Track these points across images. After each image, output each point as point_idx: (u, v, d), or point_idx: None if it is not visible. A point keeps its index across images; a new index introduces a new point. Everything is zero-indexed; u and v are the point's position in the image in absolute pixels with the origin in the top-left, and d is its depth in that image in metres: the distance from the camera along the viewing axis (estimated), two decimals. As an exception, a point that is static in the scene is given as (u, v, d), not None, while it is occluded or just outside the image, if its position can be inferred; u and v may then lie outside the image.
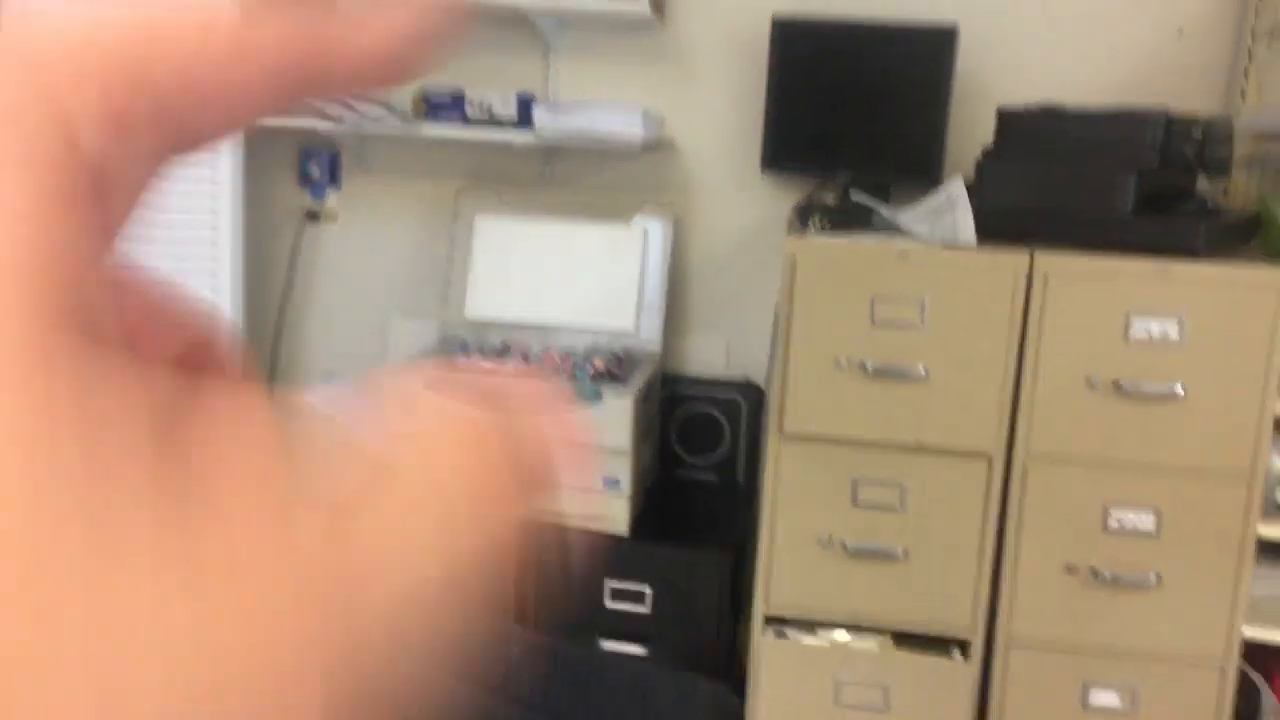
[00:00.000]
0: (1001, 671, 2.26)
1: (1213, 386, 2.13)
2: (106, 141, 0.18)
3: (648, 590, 2.50)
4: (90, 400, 0.17)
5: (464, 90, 2.76)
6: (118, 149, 0.18)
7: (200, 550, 0.17)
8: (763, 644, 2.29)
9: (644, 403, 2.51)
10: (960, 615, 2.26)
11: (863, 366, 2.20)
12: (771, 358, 2.79)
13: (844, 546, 2.27)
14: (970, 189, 2.28)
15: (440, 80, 2.91)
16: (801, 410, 2.24)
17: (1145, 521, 2.18)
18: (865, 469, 2.25)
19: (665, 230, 2.77)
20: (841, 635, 2.31)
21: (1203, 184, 2.41)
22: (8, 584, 0.15)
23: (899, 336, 2.19)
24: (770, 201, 2.87)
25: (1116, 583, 2.20)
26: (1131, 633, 2.21)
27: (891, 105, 2.54)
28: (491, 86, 2.89)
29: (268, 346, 3.07)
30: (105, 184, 0.19)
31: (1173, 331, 2.12)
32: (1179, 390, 2.13)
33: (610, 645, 2.51)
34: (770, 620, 2.33)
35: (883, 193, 2.49)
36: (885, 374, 2.20)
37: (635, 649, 2.50)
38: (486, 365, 2.57)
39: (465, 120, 2.74)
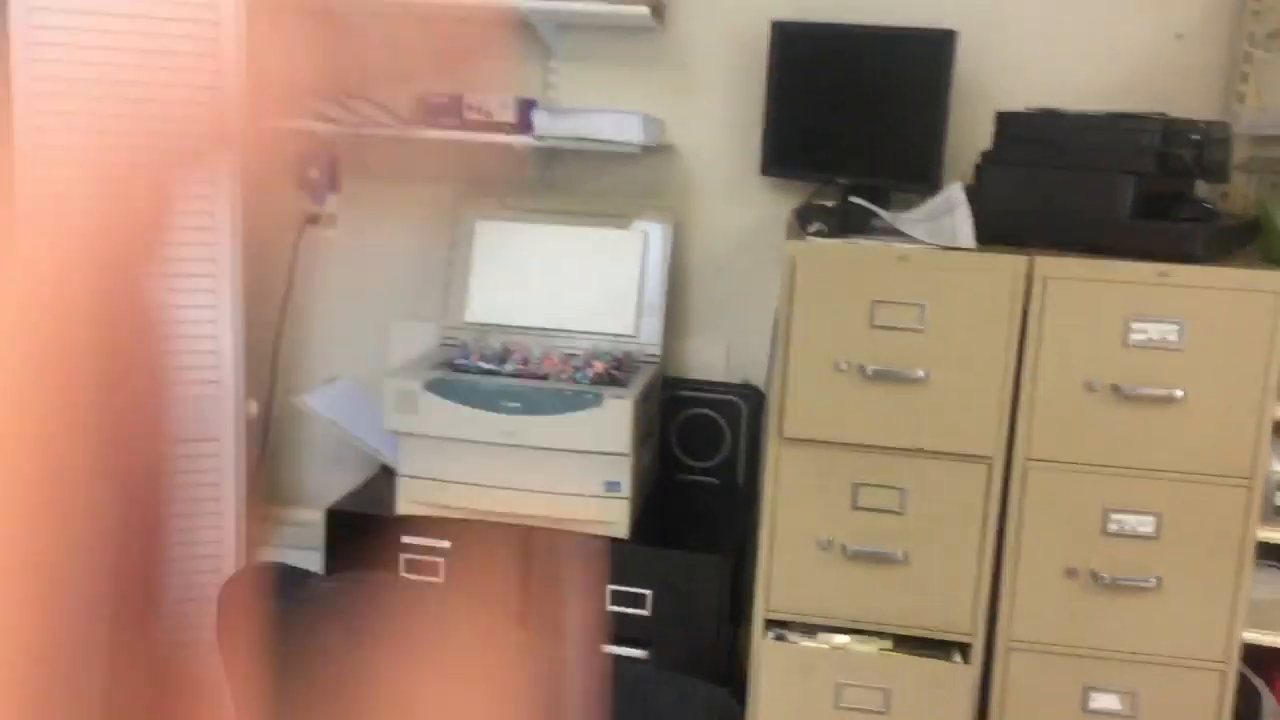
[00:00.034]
0: (1002, 674, 2.26)
1: (1212, 390, 2.13)
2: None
3: (648, 593, 2.50)
4: None
5: (462, 94, 2.76)
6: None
7: None
8: (763, 647, 2.30)
9: (644, 406, 2.52)
10: (960, 618, 2.27)
11: (862, 370, 2.21)
12: (771, 361, 2.80)
13: (844, 549, 2.27)
14: (969, 193, 2.28)
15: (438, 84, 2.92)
16: (801, 413, 2.25)
17: (1145, 525, 2.18)
18: (865, 472, 2.25)
19: (665, 234, 2.78)
20: (841, 638, 2.31)
21: (1201, 188, 2.42)
22: None
23: (899, 340, 2.20)
24: (770, 205, 2.88)
25: (1116, 586, 2.20)
26: (1132, 636, 2.22)
27: (890, 109, 2.54)
28: (491, 90, 2.89)
29: (268, 350, 3.07)
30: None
31: (1172, 335, 2.13)
32: (1178, 394, 2.13)
33: (611, 649, 2.51)
34: (770, 623, 2.34)
35: (882, 196, 2.50)
36: (885, 377, 2.21)
37: (636, 652, 2.50)
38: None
39: (464, 124, 2.74)
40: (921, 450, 2.23)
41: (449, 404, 2.46)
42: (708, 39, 2.85)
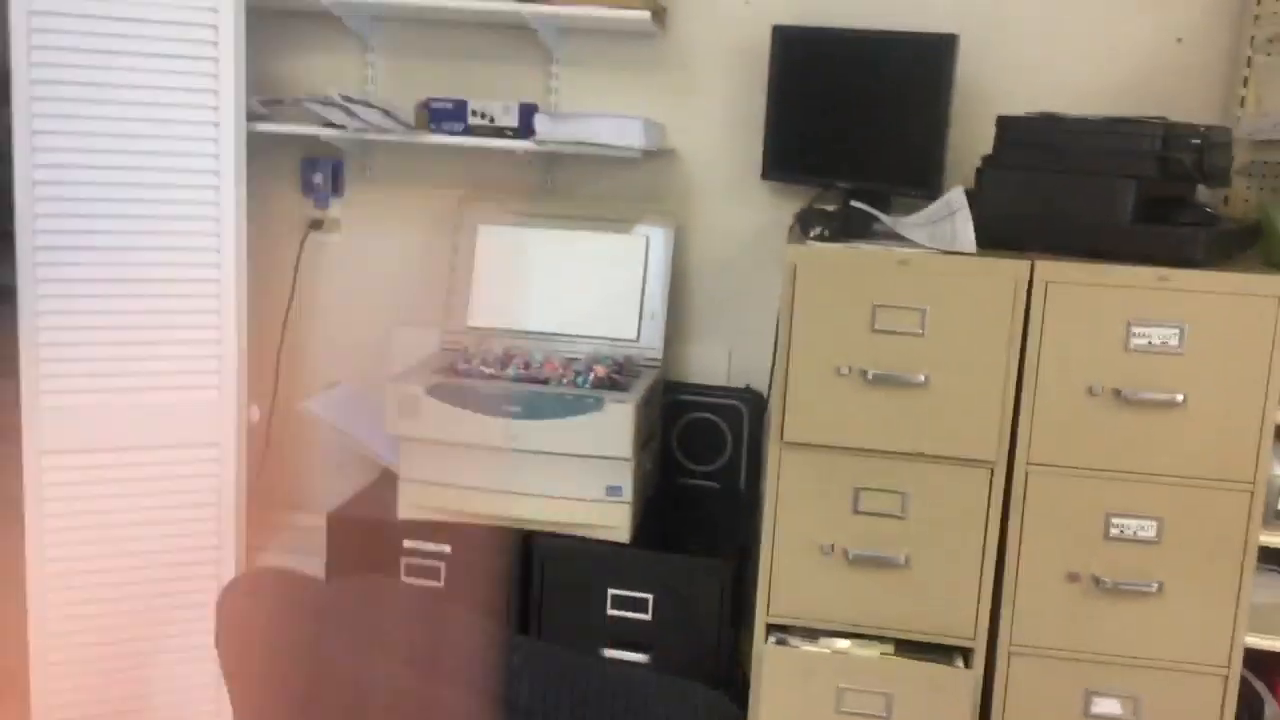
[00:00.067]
0: (1003, 679, 2.26)
1: (1213, 394, 2.13)
2: None
3: (649, 597, 2.50)
4: None
5: (466, 99, 2.76)
6: None
7: None
8: (764, 651, 2.30)
9: (645, 410, 2.52)
10: (962, 622, 2.26)
11: (864, 374, 2.21)
12: (773, 365, 2.80)
13: (845, 554, 2.27)
14: (970, 197, 2.29)
15: (443, 89, 2.93)
16: (803, 417, 2.25)
17: (1147, 529, 2.18)
18: (866, 476, 2.25)
19: (666, 238, 2.78)
20: (843, 643, 2.31)
21: (1202, 192, 2.42)
22: None
23: (899, 344, 2.20)
24: (771, 209, 2.88)
25: (1118, 590, 2.20)
26: (1133, 640, 2.22)
27: (891, 113, 2.54)
28: (493, 96, 2.90)
29: (271, 354, 3.07)
30: None
31: (1173, 339, 2.13)
32: (1179, 398, 2.13)
33: (612, 653, 2.51)
34: (772, 627, 2.34)
35: (882, 201, 2.50)
36: (886, 381, 2.21)
37: (637, 656, 2.50)
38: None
39: (467, 129, 2.75)
40: (923, 455, 2.23)
41: (451, 408, 2.46)
42: (709, 43, 2.86)
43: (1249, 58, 2.59)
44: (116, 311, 2.45)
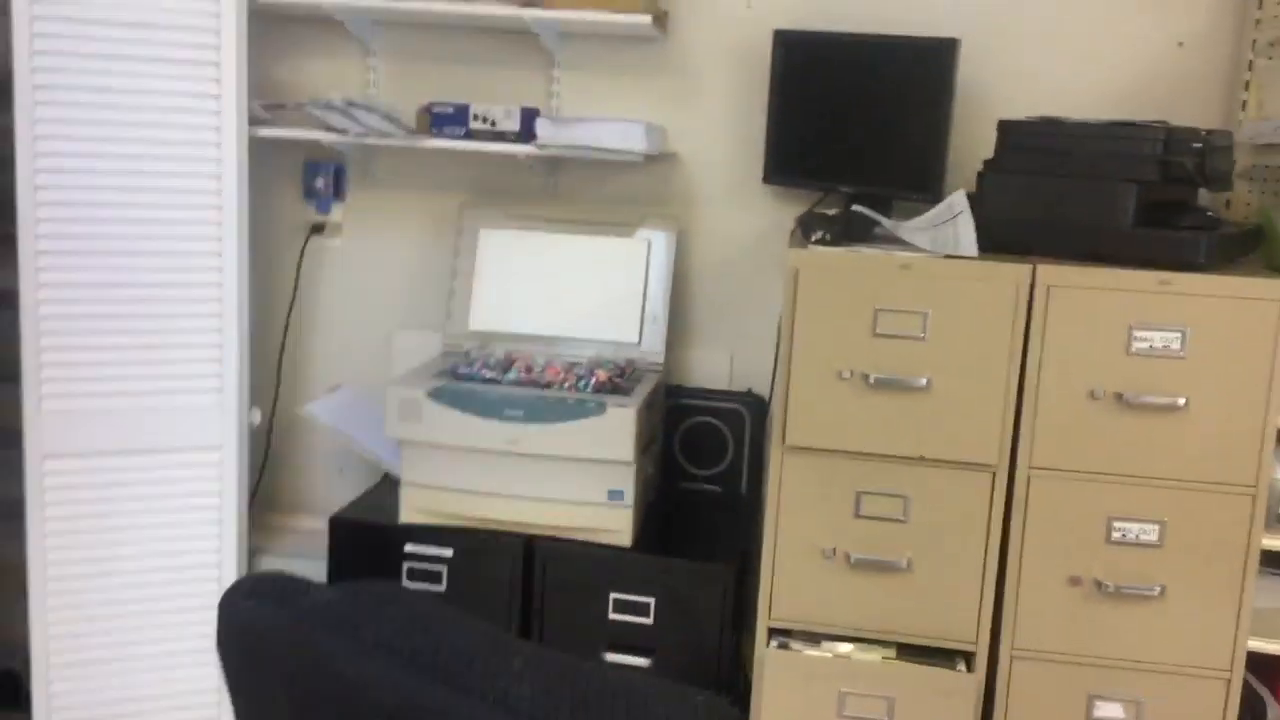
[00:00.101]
0: (1006, 683, 2.26)
1: (1215, 398, 2.13)
2: None
3: (650, 601, 2.50)
4: None
5: (468, 103, 2.77)
6: None
7: None
8: (766, 655, 2.30)
9: (647, 414, 2.52)
10: (964, 626, 2.26)
11: (865, 378, 2.21)
12: (775, 369, 2.80)
13: (847, 558, 2.27)
14: (971, 201, 2.29)
15: (444, 93, 2.93)
16: (804, 422, 2.25)
17: (1149, 533, 2.18)
18: (868, 480, 2.25)
19: (668, 242, 2.78)
20: (845, 646, 2.31)
21: (1204, 196, 2.42)
22: None
23: (901, 348, 2.20)
24: (773, 213, 2.88)
25: (1120, 594, 2.20)
26: (1136, 644, 2.21)
27: (893, 117, 2.55)
28: (495, 100, 2.90)
29: (273, 359, 3.08)
30: None
31: (1175, 343, 2.13)
32: (1181, 402, 2.13)
33: (613, 657, 2.51)
34: (773, 631, 2.34)
35: (884, 205, 2.50)
36: (888, 385, 2.21)
37: (638, 660, 2.50)
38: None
39: (469, 133, 2.75)
40: (924, 458, 2.23)
41: (452, 412, 2.46)
42: (710, 48, 2.86)
43: (1250, 61, 2.59)
44: (118, 315, 2.45)
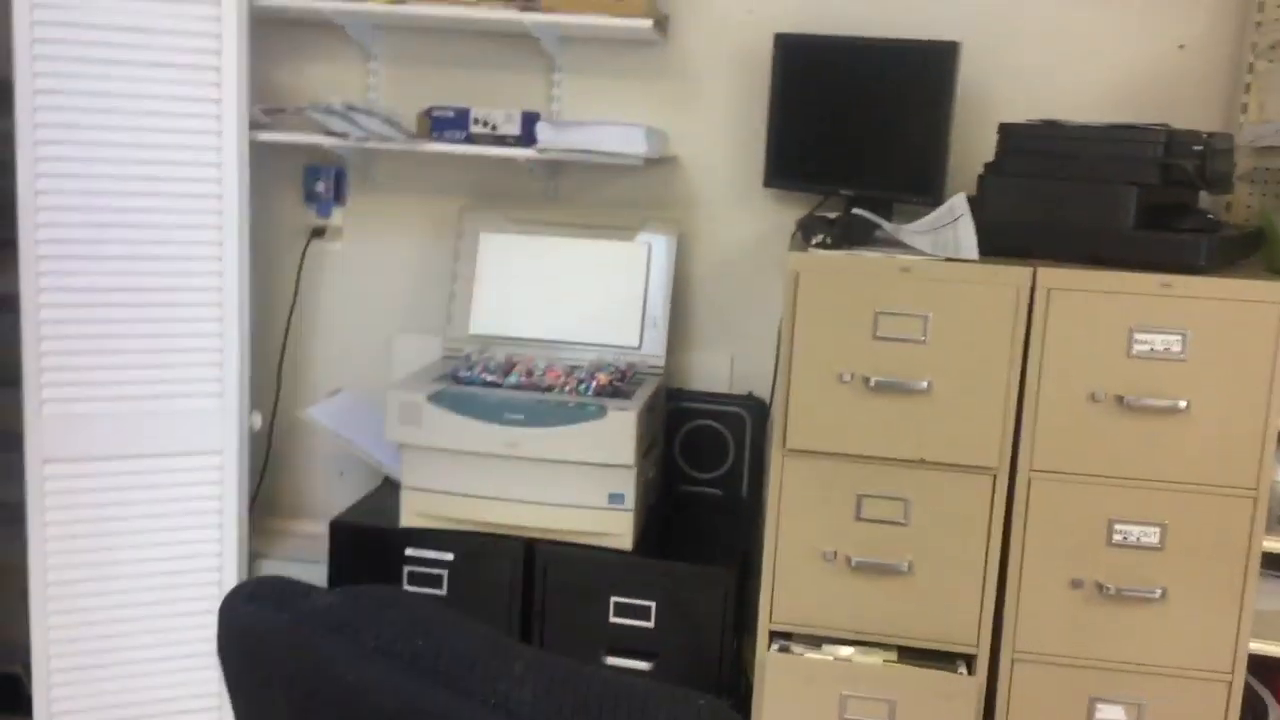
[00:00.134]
0: (1007, 686, 2.26)
1: (1216, 401, 2.13)
2: None
3: (652, 605, 2.50)
4: None
5: (468, 107, 2.77)
6: None
7: None
8: (767, 659, 2.29)
9: (647, 418, 2.52)
10: (965, 629, 2.26)
11: (866, 381, 2.21)
12: (775, 372, 2.80)
13: (848, 561, 2.27)
14: (972, 204, 2.29)
15: (445, 97, 2.93)
16: (805, 425, 2.25)
17: (1150, 535, 2.18)
18: (869, 483, 2.25)
19: (669, 245, 2.78)
20: (846, 649, 2.30)
21: (1204, 199, 2.42)
22: None
23: (902, 351, 2.20)
24: (773, 217, 2.88)
25: (1121, 597, 2.20)
26: (1137, 647, 2.21)
27: (893, 121, 2.55)
28: (495, 103, 2.90)
29: (274, 363, 3.08)
30: None
31: (1175, 346, 2.13)
32: (1182, 405, 2.13)
33: (614, 661, 2.51)
34: (774, 635, 2.33)
35: (885, 208, 2.50)
36: (888, 388, 2.21)
37: (639, 664, 2.50)
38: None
39: (469, 137, 2.75)
40: (925, 461, 2.22)
41: (453, 416, 2.46)
42: (710, 52, 2.86)
43: (1251, 64, 2.60)
44: (119, 320, 2.45)
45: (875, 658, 2.29)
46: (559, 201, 2.96)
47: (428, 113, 2.80)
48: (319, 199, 3.03)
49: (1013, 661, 2.25)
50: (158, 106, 2.43)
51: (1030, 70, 2.73)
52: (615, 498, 2.47)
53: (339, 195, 3.04)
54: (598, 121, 2.76)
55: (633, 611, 2.51)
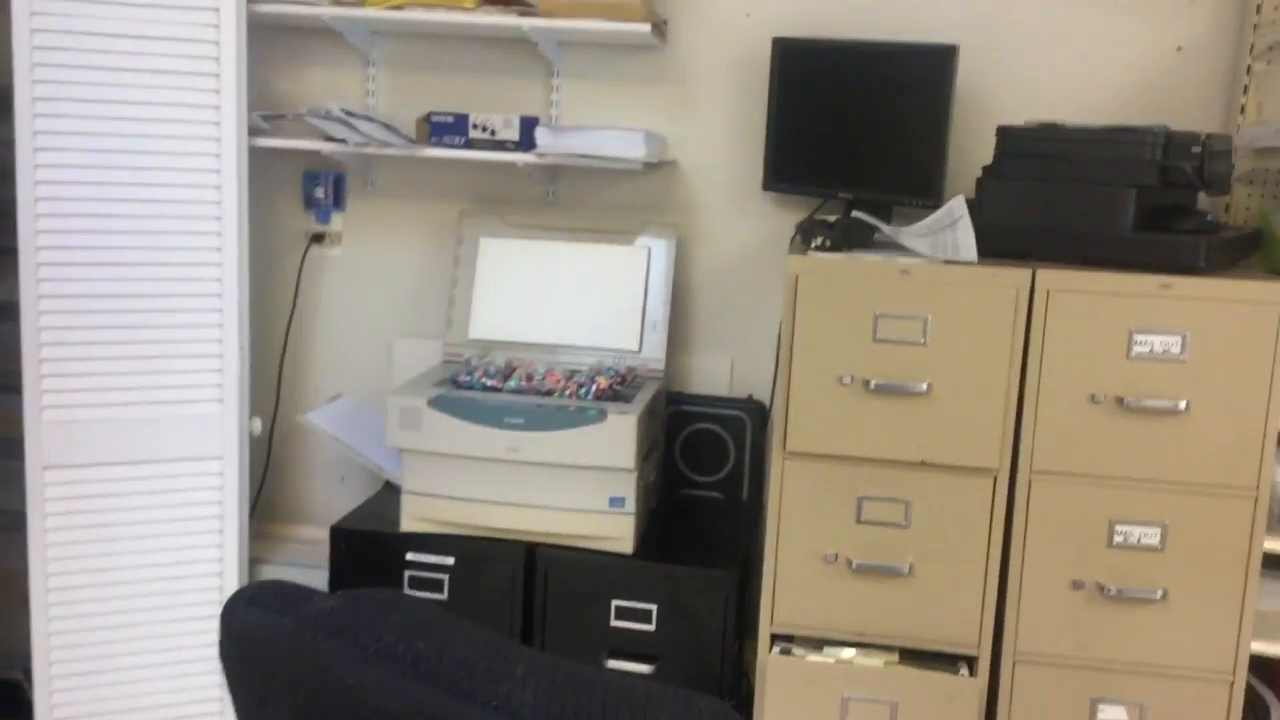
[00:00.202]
0: (1008, 687, 2.26)
1: (1216, 402, 2.13)
2: None
3: (653, 608, 2.50)
4: None
5: (467, 112, 2.77)
6: None
7: None
8: (769, 661, 2.29)
9: (648, 421, 2.52)
10: (967, 631, 2.26)
11: (866, 383, 2.21)
12: (775, 375, 2.80)
13: (849, 563, 2.27)
14: (971, 206, 2.29)
15: (444, 102, 2.94)
16: (805, 428, 2.25)
17: (1151, 536, 2.18)
18: (870, 486, 2.25)
19: (668, 249, 2.78)
20: (847, 652, 2.30)
21: (1203, 200, 2.42)
22: None
23: (902, 353, 2.20)
24: (772, 220, 2.89)
25: (1123, 598, 2.20)
26: (1139, 648, 2.21)
27: (892, 124, 2.55)
28: (494, 108, 2.91)
29: (274, 368, 3.08)
30: None
31: (1175, 347, 2.13)
32: (1182, 406, 2.13)
33: (615, 664, 2.51)
34: (776, 637, 2.33)
35: (884, 211, 2.50)
36: (888, 391, 2.21)
37: (641, 667, 2.50)
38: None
39: (468, 142, 2.75)
40: (925, 463, 2.23)
41: (453, 420, 2.46)
42: (709, 56, 2.86)
43: (1249, 66, 2.60)
44: (119, 326, 2.45)
45: (877, 660, 2.29)
46: (558, 206, 2.97)
47: (427, 118, 2.80)
48: (318, 204, 3.03)
49: (1014, 663, 2.25)
50: (157, 113, 2.44)
51: (1029, 73, 2.73)
52: (616, 501, 2.47)
53: (338, 201, 3.04)
54: (597, 126, 2.77)
55: (634, 615, 2.51)
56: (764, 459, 2.83)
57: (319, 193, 3.02)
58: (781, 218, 2.87)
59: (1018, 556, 2.23)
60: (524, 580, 2.53)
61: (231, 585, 2.59)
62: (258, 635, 1.04)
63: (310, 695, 0.99)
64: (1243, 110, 2.61)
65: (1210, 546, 2.17)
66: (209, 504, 2.56)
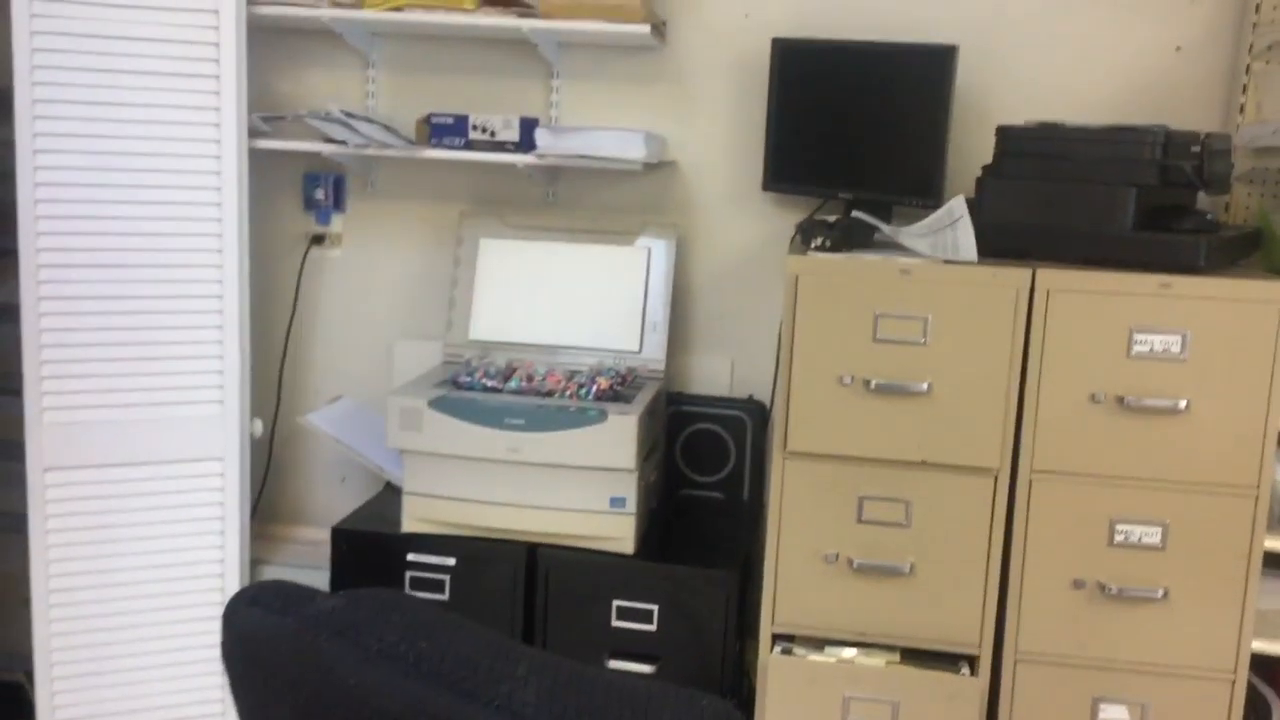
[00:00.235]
0: (1010, 687, 2.26)
1: (1216, 401, 2.13)
2: None
3: (654, 608, 2.50)
4: None
5: (467, 114, 2.77)
6: None
7: None
8: (770, 661, 2.29)
9: (648, 422, 2.52)
10: (968, 630, 2.26)
11: (866, 383, 2.21)
12: (775, 375, 2.80)
13: (850, 563, 2.27)
14: (971, 206, 2.29)
15: (443, 104, 2.94)
16: (806, 428, 2.25)
17: (1152, 535, 2.18)
18: (870, 485, 2.25)
19: (668, 250, 2.79)
20: (849, 651, 2.30)
21: (1203, 199, 2.43)
22: None
23: (902, 353, 2.20)
24: (772, 220, 2.89)
25: (1124, 597, 2.20)
26: (1140, 647, 2.21)
27: (892, 124, 2.55)
28: (494, 109, 2.91)
29: (274, 369, 3.08)
30: None
31: (1175, 346, 2.13)
32: (1182, 405, 2.13)
33: (617, 664, 2.51)
34: (777, 637, 2.33)
35: (884, 211, 2.50)
36: (889, 391, 2.21)
37: (642, 667, 2.50)
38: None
39: (468, 143, 2.76)
40: (926, 463, 2.23)
41: (453, 421, 2.46)
42: (709, 57, 2.86)
43: (1248, 65, 2.60)
44: (119, 328, 2.45)
45: (878, 659, 2.29)
46: (558, 207, 2.97)
47: (426, 119, 2.80)
48: (318, 206, 3.03)
49: (1015, 662, 2.25)
50: (157, 115, 2.44)
51: (1028, 73, 2.74)
52: (616, 501, 2.47)
53: (338, 202, 3.04)
54: (596, 127, 2.77)
55: (635, 615, 2.51)
56: (764, 459, 2.83)
57: (319, 194, 3.02)
58: (781, 218, 2.87)
59: (1018, 556, 2.23)
60: (525, 581, 2.53)
61: (233, 586, 2.59)
62: (260, 635, 1.04)
63: (312, 695, 0.99)
64: (1242, 109, 2.62)
65: (1211, 545, 2.17)
66: (210, 505, 2.56)
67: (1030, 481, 2.21)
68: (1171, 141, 2.20)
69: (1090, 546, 2.20)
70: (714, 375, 2.95)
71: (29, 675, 2.51)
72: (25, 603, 2.46)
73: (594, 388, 2.55)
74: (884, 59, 2.55)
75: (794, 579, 2.30)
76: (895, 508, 2.25)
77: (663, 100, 2.89)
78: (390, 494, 2.77)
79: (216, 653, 2.55)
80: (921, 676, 2.25)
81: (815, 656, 2.30)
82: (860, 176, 2.60)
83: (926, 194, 2.49)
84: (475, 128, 2.75)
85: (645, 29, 2.60)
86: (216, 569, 2.58)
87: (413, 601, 1.04)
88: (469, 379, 2.61)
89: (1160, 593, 2.18)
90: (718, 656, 2.49)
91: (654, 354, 2.75)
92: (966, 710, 2.23)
